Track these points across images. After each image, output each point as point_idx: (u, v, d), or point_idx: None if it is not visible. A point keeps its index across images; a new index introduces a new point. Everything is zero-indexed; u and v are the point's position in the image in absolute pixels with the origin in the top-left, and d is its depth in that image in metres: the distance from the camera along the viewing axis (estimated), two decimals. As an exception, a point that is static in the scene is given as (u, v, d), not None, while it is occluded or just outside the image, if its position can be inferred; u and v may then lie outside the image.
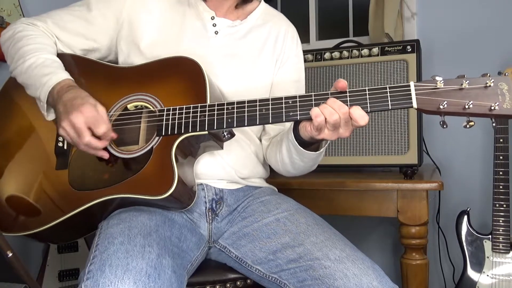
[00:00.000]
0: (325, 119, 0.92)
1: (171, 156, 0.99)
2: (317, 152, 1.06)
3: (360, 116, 0.91)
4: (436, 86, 0.88)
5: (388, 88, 0.91)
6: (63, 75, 1.07)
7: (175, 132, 1.01)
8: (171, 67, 1.09)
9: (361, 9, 2.35)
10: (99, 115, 1.00)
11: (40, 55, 1.09)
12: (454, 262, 2.05)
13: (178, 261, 0.97)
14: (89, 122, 0.99)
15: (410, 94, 0.90)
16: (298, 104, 0.95)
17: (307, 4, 2.51)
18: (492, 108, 0.85)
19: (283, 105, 0.96)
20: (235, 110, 0.98)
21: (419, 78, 1.68)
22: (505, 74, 1.64)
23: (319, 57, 1.83)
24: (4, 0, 1.94)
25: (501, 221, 1.70)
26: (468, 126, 0.87)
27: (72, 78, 1.08)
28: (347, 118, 0.92)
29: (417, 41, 1.70)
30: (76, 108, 0.98)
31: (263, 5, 1.28)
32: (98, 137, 1.00)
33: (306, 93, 1.01)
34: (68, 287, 2.04)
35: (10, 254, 1.34)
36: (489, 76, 0.87)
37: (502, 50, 1.99)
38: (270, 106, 0.96)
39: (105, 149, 1.06)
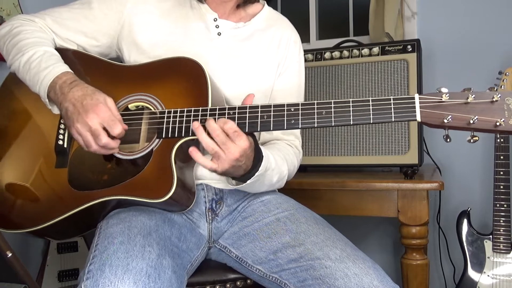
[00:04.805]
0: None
1: (170, 160, 0.98)
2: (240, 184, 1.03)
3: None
4: (441, 99, 0.86)
5: (392, 100, 0.90)
6: (62, 68, 1.06)
7: (175, 136, 1.00)
8: (172, 68, 1.08)
9: (361, 9, 2.35)
10: (113, 114, 0.99)
11: (38, 49, 1.08)
12: (454, 262, 2.05)
13: (178, 261, 0.97)
14: (105, 123, 0.98)
15: (414, 107, 0.88)
16: (300, 112, 0.94)
17: (307, 4, 2.51)
18: (498, 124, 0.83)
19: (285, 113, 0.94)
20: (236, 115, 0.97)
21: (419, 78, 1.68)
22: (505, 74, 1.65)
23: (319, 56, 1.83)
24: (4, 0, 1.94)
25: (501, 221, 1.70)
26: (472, 141, 0.86)
27: (71, 71, 1.07)
28: (223, 139, 0.92)
29: (418, 40, 1.70)
30: (90, 108, 0.98)
31: (267, 9, 1.28)
32: (112, 137, 1.00)
33: (305, 97, 0.99)
34: (67, 287, 2.03)
35: (10, 254, 1.33)
36: (496, 90, 0.85)
37: (502, 49, 1.99)
38: (272, 113, 0.95)
39: None
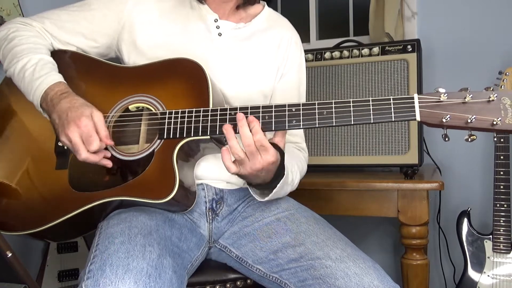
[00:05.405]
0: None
1: (172, 160, 0.99)
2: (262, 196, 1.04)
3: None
4: (439, 99, 0.88)
5: (392, 100, 0.90)
6: (55, 78, 1.05)
7: (177, 136, 1.00)
8: (173, 69, 1.08)
9: (361, 9, 2.35)
10: (96, 128, 0.98)
11: (33, 56, 1.08)
12: (454, 262, 2.05)
13: (179, 261, 0.97)
14: (83, 137, 0.97)
15: (413, 107, 0.89)
16: (301, 112, 0.94)
17: (307, 4, 2.51)
18: (495, 123, 0.85)
19: (286, 113, 0.94)
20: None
21: (419, 78, 1.68)
22: (506, 74, 1.65)
23: (319, 56, 1.83)
24: (4, 0, 1.94)
25: (501, 221, 1.70)
26: (470, 140, 0.87)
27: (64, 81, 1.07)
28: (253, 150, 0.91)
29: (418, 40, 1.70)
30: (71, 121, 0.97)
31: (268, 10, 1.28)
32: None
33: (306, 98, 0.99)
34: (67, 287, 2.03)
35: (10, 254, 1.33)
36: (492, 90, 0.87)
37: (502, 49, 1.99)
38: (273, 114, 0.95)
39: (107, 149, 1.05)
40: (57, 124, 1.01)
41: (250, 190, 1.05)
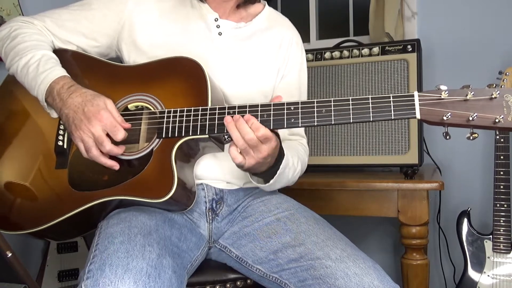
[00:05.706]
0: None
1: (171, 159, 0.98)
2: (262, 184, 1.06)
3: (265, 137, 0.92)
4: (440, 96, 0.87)
5: (391, 98, 0.90)
6: (59, 72, 1.05)
7: (176, 135, 1.00)
8: (172, 68, 1.08)
9: (362, 9, 2.35)
10: (115, 119, 0.99)
11: (36, 52, 1.08)
12: (454, 262, 2.05)
13: (178, 261, 0.97)
14: (107, 129, 0.98)
15: (413, 105, 0.88)
16: (300, 110, 0.94)
17: (307, 4, 2.51)
18: (497, 120, 0.83)
19: (285, 111, 0.94)
20: (236, 114, 0.97)
21: (419, 78, 1.68)
22: (506, 74, 1.65)
23: (320, 56, 1.83)
24: (4, 0, 1.94)
25: (501, 221, 1.70)
26: (471, 138, 0.86)
27: (68, 75, 1.07)
28: (255, 143, 0.92)
29: (418, 40, 1.70)
30: (91, 116, 0.97)
31: (268, 9, 1.28)
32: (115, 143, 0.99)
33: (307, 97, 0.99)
34: (67, 287, 2.03)
35: (10, 254, 1.33)
36: (495, 87, 0.85)
37: (502, 49, 1.99)
38: (272, 112, 0.95)
39: None
40: (71, 118, 1.00)
41: (252, 181, 1.06)
